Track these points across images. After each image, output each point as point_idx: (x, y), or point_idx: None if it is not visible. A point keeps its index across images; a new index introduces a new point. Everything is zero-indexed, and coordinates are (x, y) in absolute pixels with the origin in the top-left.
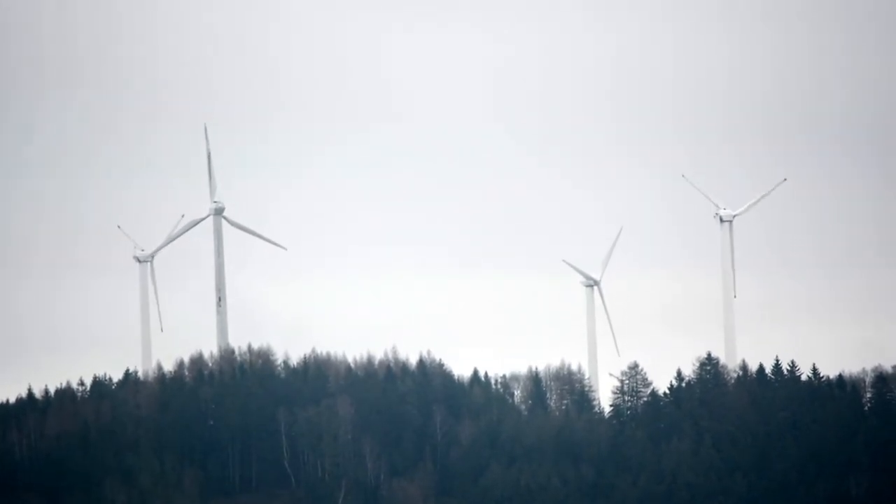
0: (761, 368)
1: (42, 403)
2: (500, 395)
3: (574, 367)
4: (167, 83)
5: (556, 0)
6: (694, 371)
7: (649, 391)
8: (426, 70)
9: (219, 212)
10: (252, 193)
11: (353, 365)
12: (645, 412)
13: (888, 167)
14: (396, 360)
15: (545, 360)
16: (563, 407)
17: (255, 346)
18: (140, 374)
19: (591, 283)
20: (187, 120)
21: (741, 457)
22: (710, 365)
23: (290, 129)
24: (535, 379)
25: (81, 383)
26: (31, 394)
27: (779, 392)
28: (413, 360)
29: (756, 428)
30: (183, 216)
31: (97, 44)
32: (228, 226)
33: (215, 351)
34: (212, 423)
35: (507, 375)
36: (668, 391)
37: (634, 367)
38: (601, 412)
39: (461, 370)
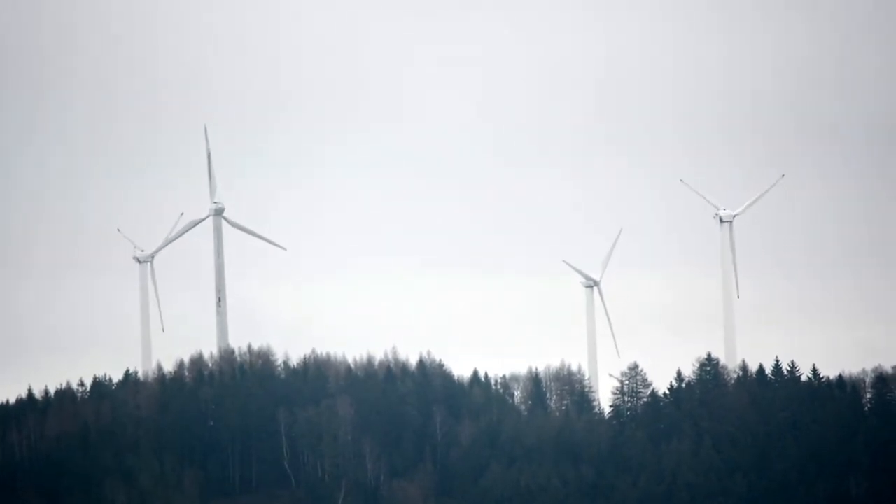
0: (761, 369)
1: (42, 404)
2: (500, 395)
3: (574, 368)
4: (167, 83)
5: (556, 1)
6: (694, 372)
7: (649, 392)
8: (426, 70)
9: (219, 212)
10: (252, 193)
11: (353, 365)
12: (645, 413)
13: (888, 167)
14: (396, 360)
15: (545, 360)
16: (563, 407)
17: (255, 346)
18: (140, 374)
19: (591, 284)
20: (187, 120)
21: (741, 457)
22: (710, 365)
23: (290, 129)
24: (535, 379)
25: (81, 384)
26: (31, 394)
27: (779, 392)
28: (413, 361)
29: (756, 428)
30: (182, 214)
31: (97, 44)
32: (228, 226)
33: (215, 351)
34: (212, 423)
35: (507, 376)
36: (668, 392)
37: (634, 368)
38: (601, 413)
39: (461, 371)
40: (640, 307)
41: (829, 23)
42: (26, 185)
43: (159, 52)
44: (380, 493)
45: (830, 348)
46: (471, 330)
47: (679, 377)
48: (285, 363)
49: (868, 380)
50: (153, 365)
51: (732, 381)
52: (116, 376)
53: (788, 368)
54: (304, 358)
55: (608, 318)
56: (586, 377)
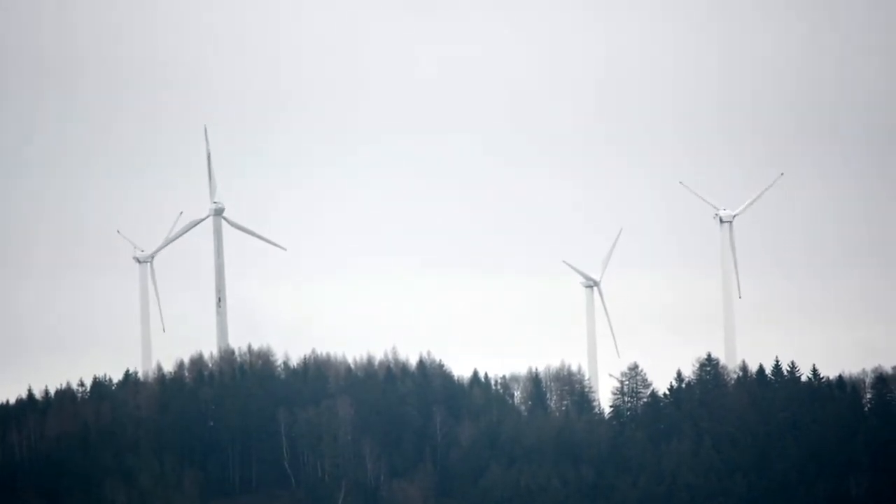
0: (761, 369)
1: (42, 404)
2: (499, 395)
3: (574, 368)
4: (167, 83)
5: (556, 2)
6: (694, 372)
7: (649, 392)
8: (426, 70)
9: (219, 212)
10: (252, 193)
11: (353, 366)
12: (645, 413)
13: (888, 167)
14: (396, 360)
15: (545, 360)
16: (563, 408)
17: (255, 346)
18: (140, 374)
19: (591, 284)
20: (187, 120)
21: (741, 457)
22: (709, 366)
23: (290, 130)
24: (534, 380)
25: (81, 384)
26: (31, 394)
27: (779, 393)
28: (413, 361)
29: (756, 428)
30: (181, 213)
31: (97, 44)
32: (228, 226)
33: (215, 352)
34: (212, 423)
35: (507, 376)
36: (667, 392)
37: (634, 368)
38: (601, 413)
39: (461, 371)
40: (640, 307)
41: (828, 23)
42: (26, 185)
43: (159, 52)
44: (380, 494)
45: (830, 348)
46: (471, 330)
47: (679, 377)
48: (285, 363)
49: (868, 380)
50: (153, 365)
51: (732, 382)
52: (116, 376)
53: (788, 369)
54: (304, 358)
55: (608, 319)
56: (586, 377)
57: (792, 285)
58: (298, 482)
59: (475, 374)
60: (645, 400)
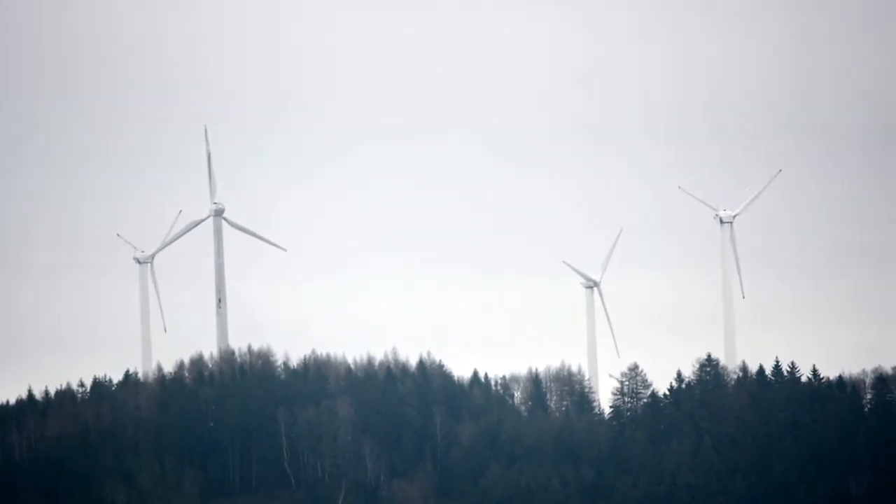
0: (761, 370)
1: (42, 405)
2: (500, 396)
3: (574, 369)
4: (167, 83)
5: (556, 3)
6: (694, 372)
7: (649, 392)
8: (426, 71)
9: (219, 213)
10: (252, 193)
11: (353, 366)
12: (645, 413)
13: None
14: (396, 361)
15: (545, 361)
16: (563, 408)
17: (255, 347)
18: (140, 375)
19: (591, 285)
20: (187, 120)
21: (741, 458)
22: (710, 366)
23: (290, 130)
24: (535, 380)
25: (81, 384)
26: (31, 395)
27: (779, 393)
28: (413, 361)
29: (756, 429)
30: (181, 212)
31: (97, 44)
32: (228, 227)
33: (215, 352)
34: (212, 424)
35: (507, 376)
36: (667, 392)
37: (634, 369)
38: (601, 413)
39: (461, 371)
40: (640, 308)
41: (825, 23)
42: (26, 185)
43: (159, 52)
44: (380, 494)
45: (830, 349)
46: (471, 330)
47: (679, 378)
48: (285, 363)
49: (868, 380)
50: (153, 365)
51: (732, 382)
52: (116, 377)
53: (788, 369)
54: (304, 358)
55: (608, 319)
56: (586, 378)
57: (790, 286)
58: (298, 482)
59: (475, 374)
60: (645, 400)
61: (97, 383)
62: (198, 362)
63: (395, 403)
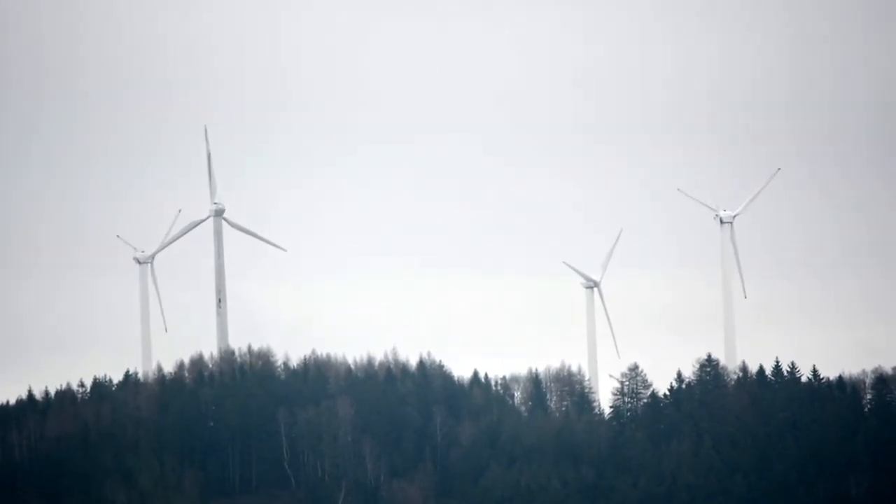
0: (761, 370)
1: (42, 405)
2: (500, 396)
3: (574, 369)
4: (167, 83)
5: (556, 3)
6: (694, 372)
7: (649, 392)
8: (427, 71)
9: (219, 213)
10: (252, 194)
11: (353, 366)
12: (645, 413)
13: (888, 167)
14: (396, 361)
15: (545, 361)
16: (563, 408)
17: (256, 347)
18: (140, 375)
19: (591, 285)
20: (187, 120)
21: (741, 458)
22: (710, 366)
23: (290, 130)
24: (535, 380)
25: (81, 385)
26: (31, 395)
27: (779, 393)
28: (413, 362)
29: (756, 429)
30: (180, 211)
31: (97, 44)
32: (228, 227)
33: (215, 352)
34: (212, 424)
35: (507, 377)
36: (668, 392)
37: (634, 369)
38: (601, 413)
39: (461, 371)
40: (640, 308)
41: (825, 23)
42: (26, 185)
43: (159, 52)
44: (380, 494)
45: (830, 349)
46: (471, 330)
47: (679, 378)
48: (285, 364)
49: (868, 380)
50: (153, 366)
51: (732, 382)
52: (116, 377)
53: (788, 369)
54: (304, 358)
55: (608, 319)
56: (586, 378)
57: (792, 285)
58: (298, 482)
59: (475, 374)
60: (645, 400)
61: (97, 383)
62: (198, 362)
63: (395, 403)
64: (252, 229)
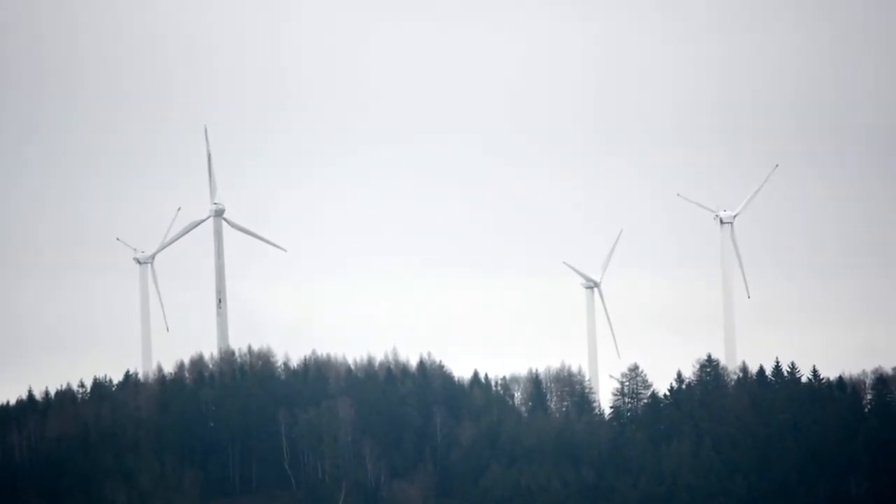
0: (761, 370)
1: (42, 405)
2: (500, 396)
3: (574, 369)
4: (167, 83)
5: (556, 3)
6: (694, 373)
7: (649, 393)
8: (427, 71)
9: (219, 213)
10: (252, 194)
11: (353, 366)
12: (645, 414)
13: (888, 167)
14: (397, 361)
15: (545, 361)
16: (564, 408)
17: (256, 347)
18: (140, 375)
19: (592, 285)
20: (187, 120)
21: (741, 458)
22: (710, 367)
23: (290, 130)
24: (535, 381)
25: (82, 385)
26: (31, 395)
27: (779, 394)
28: (413, 362)
29: (756, 429)
30: (179, 210)
31: (97, 44)
32: (229, 227)
33: (215, 352)
34: (212, 424)
35: (508, 377)
36: (668, 393)
37: (634, 369)
38: (601, 414)
39: (461, 372)
40: (640, 308)
41: (826, 23)
42: (26, 185)
43: (160, 52)
44: (380, 494)
45: (831, 349)
46: (471, 330)
47: (679, 378)
48: (285, 364)
49: (868, 381)
50: (153, 366)
51: (732, 383)
52: (117, 377)
53: (788, 369)
54: (305, 359)
55: (608, 319)
56: (586, 378)
57: (792, 286)
58: (298, 483)
59: (475, 374)
60: (645, 401)
61: (97, 383)
62: (198, 362)
63: (395, 404)
64: (252, 229)
